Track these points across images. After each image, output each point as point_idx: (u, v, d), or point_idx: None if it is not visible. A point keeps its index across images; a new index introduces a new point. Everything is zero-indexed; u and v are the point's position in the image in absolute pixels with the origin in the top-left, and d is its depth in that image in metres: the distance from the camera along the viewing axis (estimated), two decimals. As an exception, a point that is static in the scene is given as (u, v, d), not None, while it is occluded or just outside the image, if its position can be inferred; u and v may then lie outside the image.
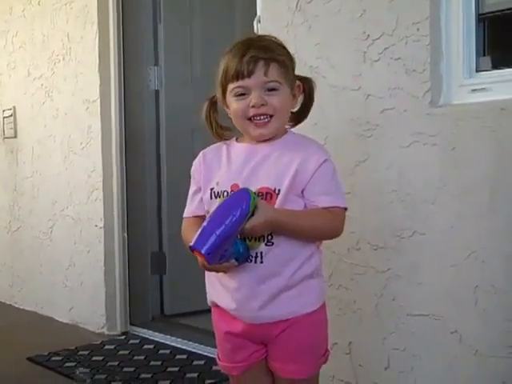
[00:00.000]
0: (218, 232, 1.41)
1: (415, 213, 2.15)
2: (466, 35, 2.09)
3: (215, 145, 1.69)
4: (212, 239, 1.41)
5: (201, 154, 1.69)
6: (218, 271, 1.53)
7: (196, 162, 1.69)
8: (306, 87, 1.66)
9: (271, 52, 1.55)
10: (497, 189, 1.96)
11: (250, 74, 1.53)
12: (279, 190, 1.53)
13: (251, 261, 1.52)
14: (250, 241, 1.52)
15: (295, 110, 1.67)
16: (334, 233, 1.62)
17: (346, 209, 1.60)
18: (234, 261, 1.49)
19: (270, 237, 1.52)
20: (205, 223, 1.46)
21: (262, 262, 1.53)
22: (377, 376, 2.28)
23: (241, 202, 1.45)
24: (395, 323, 2.22)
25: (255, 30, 2.63)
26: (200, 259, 1.46)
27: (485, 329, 2.00)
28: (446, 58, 2.12)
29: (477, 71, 2.09)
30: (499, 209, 1.96)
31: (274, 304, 1.55)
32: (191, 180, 1.70)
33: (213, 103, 1.67)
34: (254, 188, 1.52)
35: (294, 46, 1.71)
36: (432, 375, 2.14)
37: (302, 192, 1.55)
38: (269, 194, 1.53)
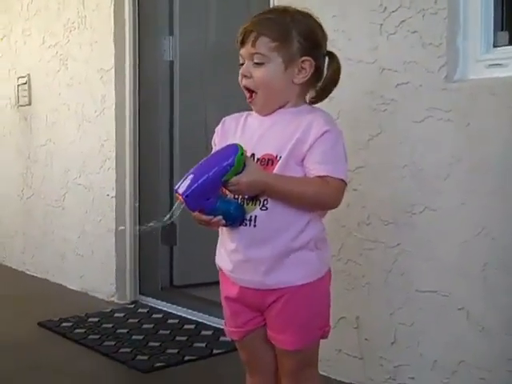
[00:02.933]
0: (200, 179, 1.47)
1: (427, 188, 2.14)
2: (484, 10, 2.06)
3: (236, 114, 1.71)
4: (193, 185, 1.47)
5: (222, 120, 1.72)
6: (205, 224, 1.55)
7: (217, 128, 1.72)
8: (329, 65, 1.65)
9: (264, 26, 1.56)
10: (510, 166, 1.94)
11: (242, 44, 1.59)
12: (281, 157, 1.54)
13: (246, 224, 1.55)
14: (246, 204, 1.54)
15: (320, 86, 1.66)
16: (328, 203, 1.59)
17: (344, 181, 1.57)
18: (220, 217, 1.52)
19: (265, 201, 1.54)
20: (192, 169, 1.51)
21: (255, 226, 1.54)
22: (383, 350, 2.29)
23: (227, 155, 1.49)
24: (403, 298, 2.22)
25: (270, 1, 2.61)
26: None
27: (492, 306, 2.00)
28: (463, 32, 2.09)
29: (494, 46, 2.06)
30: (511, 186, 1.94)
31: (267, 271, 1.56)
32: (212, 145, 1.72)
33: None
34: (259, 154, 1.55)
35: (293, 8, 1.70)
36: (438, 351, 2.14)
37: (303, 161, 1.55)
38: (270, 161, 1.55)
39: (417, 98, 2.15)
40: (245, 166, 1.49)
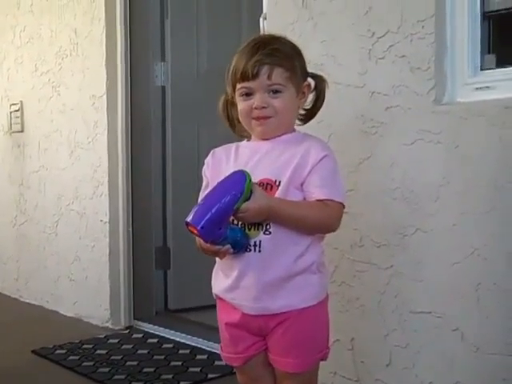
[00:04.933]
0: (213, 209, 1.46)
1: (418, 210, 2.15)
2: (471, 33, 2.09)
3: (226, 145, 1.74)
4: (207, 215, 1.46)
5: (211, 152, 1.74)
6: (213, 254, 1.56)
7: (206, 160, 1.74)
8: (318, 85, 1.72)
9: (276, 57, 1.60)
10: (500, 187, 1.96)
11: (254, 77, 1.59)
12: (280, 182, 1.57)
13: (250, 250, 1.56)
14: (249, 230, 1.56)
15: (307, 107, 1.73)
16: (328, 226, 1.63)
17: (343, 205, 1.61)
18: (229, 246, 1.52)
19: (268, 226, 1.55)
20: (201, 201, 1.52)
21: (259, 251, 1.56)
22: (378, 372, 2.29)
23: (237, 182, 1.50)
24: (397, 320, 2.23)
25: (261, 27, 2.64)
26: (198, 240, 1.52)
27: (486, 327, 2.00)
28: (450, 56, 2.12)
29: (481, 69, 2.09)
30: (502, 207, 1.96)
31: (271, 296, 1.57)
32: (203, 177, 1.74)
33: (228, 98, 1.72)
34: (255, 179, 1.56)
35: (300, 43, 1.74)
36: (433, 372, 2.14)
37: (302, 185, 1.58)
38: (269, 185, 1.58)
39: (406, 121, 2.18)
40: (251, 192, 1.50)
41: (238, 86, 1.63)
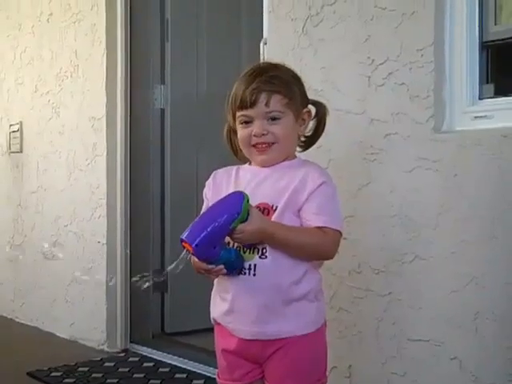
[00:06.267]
0: (208, 228, 1.46)
1: (417, 238, 2.16)
2: (470, 62, 2.11)
3: (227, 167, 1.74)
4: (202, 233, 1.45)
5: (212, 174, 1.75)
6: (206, 273, 1.54)
7: (208, 182, 1.74)
8: (318, 112, 1.72)
9: (274, 84, 1.60)
10: (498, 215, 1.97)
11: (252, 105, 1.60)
12: (277, 207, 1.57)
13: (245, 273, 1.55)
14: (244, 253, 1.55)
15: (308, 134, 1.74)
16: (324, 253, 1.62)
17: (340, 232, 1.61)
18: (222, 266, 1.51)
19: (264, 250, 1.55)
20: (197, 218, 1.50)
21: (254, 275, 1.55)
22: (376, 400, 2.28)
23: (234, 202, 1.49)
24: (395, 347, 2.22)
25: (261, 52, 2.66)
26: (192, 258, 1.52)
27: (485, 356, 2.00)
28: (449, 85, 2.13)
29: (480, 98, 2.11)
30: (500, 235, 1.96)
31: (267, 321, 1.57)
32: (204, 199, 1.74)
33: (230, 126, 1.73)
34: (253, 203, 1.56)
35: (300, 69, 1.76)
36: (431, 401, 2.13)
37: (299, 211, 1.58)
38: (266, 210, 1.58)
39: (405, 149, 2.19)
40: (248, 214, 1.50)
41: (238, 114, 1.64)
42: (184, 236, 1.47)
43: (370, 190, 2.29)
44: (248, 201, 1.50)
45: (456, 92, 2.12)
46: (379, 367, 2.26)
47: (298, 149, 1.76)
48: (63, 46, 3.95)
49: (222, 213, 1.48)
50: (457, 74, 2.12)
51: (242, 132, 1.64)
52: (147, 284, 1.76)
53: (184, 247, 1.49)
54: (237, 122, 1.65)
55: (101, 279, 3.62)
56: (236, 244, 1.56)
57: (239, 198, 1.50)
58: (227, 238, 1.53)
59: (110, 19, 3.63)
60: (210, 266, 1.51)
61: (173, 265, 1.61)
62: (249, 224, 1.50)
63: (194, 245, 1.45)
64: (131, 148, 3.64)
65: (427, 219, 2.12)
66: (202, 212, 1.67)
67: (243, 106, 1.61)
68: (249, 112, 1.61)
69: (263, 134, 1.60)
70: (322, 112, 1.73)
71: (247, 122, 1.62)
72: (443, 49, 2.13)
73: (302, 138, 1.75)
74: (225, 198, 1.56)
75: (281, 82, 1.62)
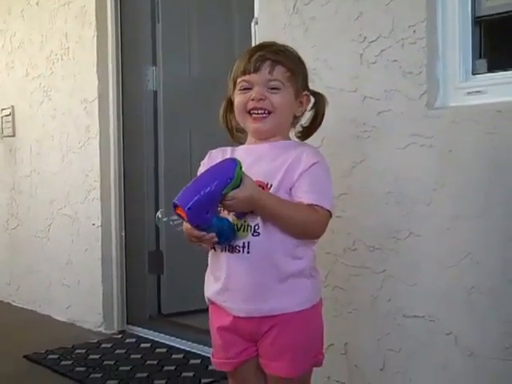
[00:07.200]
0: (201, 191, 1.45)
1: (411, 214, 2.16)
2: (462, 38, 2.10)
3: (222, 147, 1.74)
4: (195, 197, 1.44)
5: (208, 153, 1.75)
6: (197, 240, 1.53)
7: (203, 161, 1.74)
8: (317, 103, 1.73)
9: (279, 56, 1.63)
10: (492, 190, 1.97)
11: (255, 71, 1.61)
12: (271, 185, 1.58)
13: (239, 251, 1.56)
14: (238, 230, 1.56)
15: (305, 124, 1.74)
16: (313, 230, 1.61)
17: (330, 213, 1.60)
18: (214, 234, 1.50)
19: (256, 227, 1.55)
20: (190, 183, 1.49)
21: (248, 253, 1.55)
22: (372, 377, 2.29)
23: (227, 168, 1.49)
24: (391, 324, 2.23)
25: (252, 32, 2.64)
26: (184, 224, 1.51)
27: (480, 330, 2.01)
28: (442, 61, 2.13)
29: (473, 74, 2.10)
30: (495, 210, 1.97)
31: (262, 298, 1.57)
32: None
33: (229, 103, 1.73)
34: None
35: (291, 47, 1.75)
36: (427, 376, 2.15)
37: (291, 190, 1.58)
38: (261, 187, 1.57)
39: (399, 126, 2.18)
40: (241, 181, 1.50)
41: (239, 80, 1.64)
42: (177, 200, 1.46)
43: (363, 167, 2.29)
44: (241, 168, 1.49)
45: (449, 68, 2.12)
46: (375, 344, 2.27)
47: (296, 139, 1.76)
48: (53, 29, 3.92)
49: (215, 178, 1.47)
50: (449, 50, 2.11)
51: (239, 98, 1.64)
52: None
53: (177, 213, 1.47)
54: (236, 89, 1.65)
55: (96, 262, 3.62)
56: (231, 218, 1.55)
57: (232, 164, 1.50)
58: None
59: (99, 1, 3.60)
60: (202, 233, 1.50)
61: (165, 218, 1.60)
62: (240, 191, 1.49)
63: (186, 208, 1.43)
64: (124, 130, 3.63)
65: (422, 195, 2.13)
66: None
67: (246, 71, 1.62)
68: (250, 77, 1.61)
69: (261, 99, 1.61)
70: (321, 103, 1.73)
71: (247, 89, 1.63)
72: (435, 25, 2.12)
73: (300, 128, 1.75)
74: (218, 164, 1.55)
75: (286, 55, 1.65)
